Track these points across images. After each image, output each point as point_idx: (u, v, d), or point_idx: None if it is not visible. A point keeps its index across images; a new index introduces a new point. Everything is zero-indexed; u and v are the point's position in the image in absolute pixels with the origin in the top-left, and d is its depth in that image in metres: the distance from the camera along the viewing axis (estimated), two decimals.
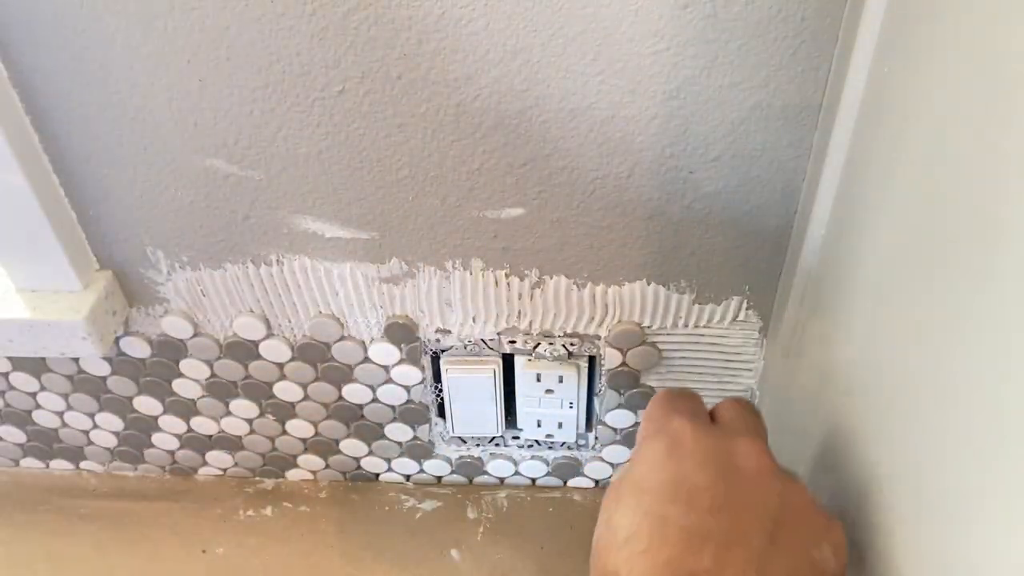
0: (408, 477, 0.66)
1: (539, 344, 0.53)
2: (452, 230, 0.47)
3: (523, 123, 0.42)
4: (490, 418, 0.58)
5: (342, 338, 0.54)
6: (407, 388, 0.57)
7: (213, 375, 0.58)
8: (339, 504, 0.66)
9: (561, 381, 0.55)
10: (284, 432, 0.62)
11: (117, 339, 0.56)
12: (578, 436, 0.60)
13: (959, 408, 0.27)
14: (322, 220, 0.47)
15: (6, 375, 0.60)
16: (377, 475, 0.67)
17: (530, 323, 0.52)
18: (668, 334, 0.52)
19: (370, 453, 0.64)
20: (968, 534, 0.26)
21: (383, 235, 0.48)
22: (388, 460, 0.65)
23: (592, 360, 0.55)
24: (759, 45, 0.38)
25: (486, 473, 0.65)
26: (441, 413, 0.60)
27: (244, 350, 0.56)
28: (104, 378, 0.59)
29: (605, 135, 0.42)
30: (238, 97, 0.42)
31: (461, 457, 0.64)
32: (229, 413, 0.61)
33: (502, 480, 0.66)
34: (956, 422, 0.27)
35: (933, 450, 0.29)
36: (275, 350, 0.55)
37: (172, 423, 0.63)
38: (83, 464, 0.68)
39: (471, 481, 0.66)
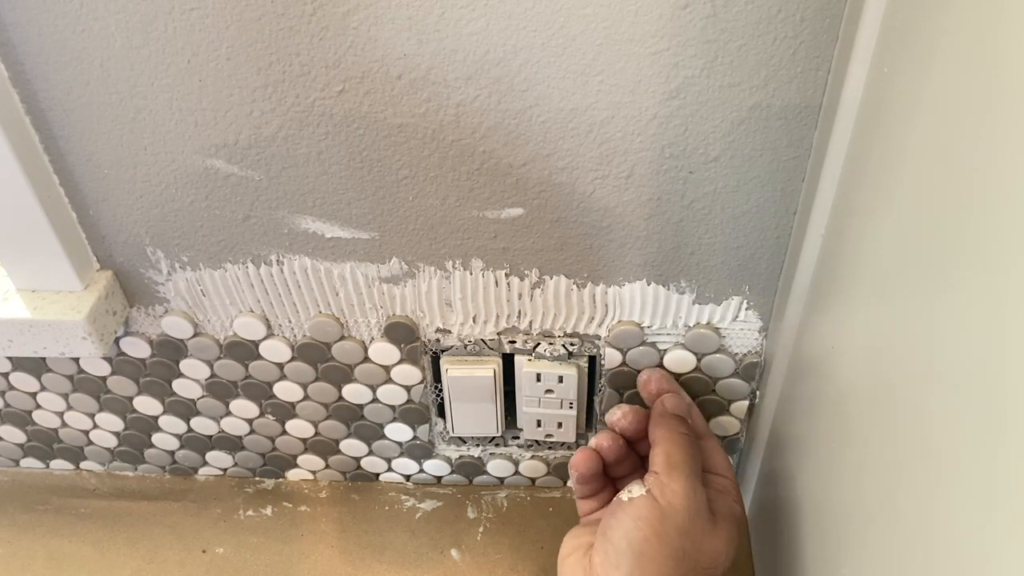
0: (408, 477, 0.66)
1: (539, 344, 0.53)
2: (452, 230, 0.47)
3: (523, 123, 0.42)
4: (490, 418, 0.58)
5: (342, 338, 0.54)
6: (407, 388, 0.57)
7: (213, 375, 0.58)
8: (339, 504, 0.66)
9: (561, 381, 0.55)
10: (284, 432, 0.62)
11: (117, 339, 0.56)
12: (578, 436, 0.60)
13: (961, 406, 0.27)
14: (322, 220, 0.47)
15: (6, 375, 0.60)
16: (377, 475, 0.67)
17: (530, 323, 0.52)
18: (668, 334, 0.52)
19: (370, 453, 0.64)
20: (980, 534, 0.26)
21: (383, 235, 0.48)
22: (388, 460, 0.65)
23: (592, 360, 0.55)
24: (759, 45, 0.38)
25: (486, 473, 0.65)
26: (441, 413, 0.60)
27: (244, 350, 0.56)
28: (104, 378, 0.59)
29: (605, 135, 0.42)
30: (238, 97, 0.42)
31: (461, 457, 0.64)
32: (229, 413, 0.61)
33: (502, 480, 0.66)
34: (957, 419, 0.27)
35: (935, 449, 0.29)
36: (275, 350, 0.55)
37: (172, 423, 0.63)
38: (83, 464, 0.68)
39: (471, 481, 0.66)
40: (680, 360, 0.53)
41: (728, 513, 0.46)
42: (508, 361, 0.55)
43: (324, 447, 0.64)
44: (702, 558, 0.43)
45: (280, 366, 0.57)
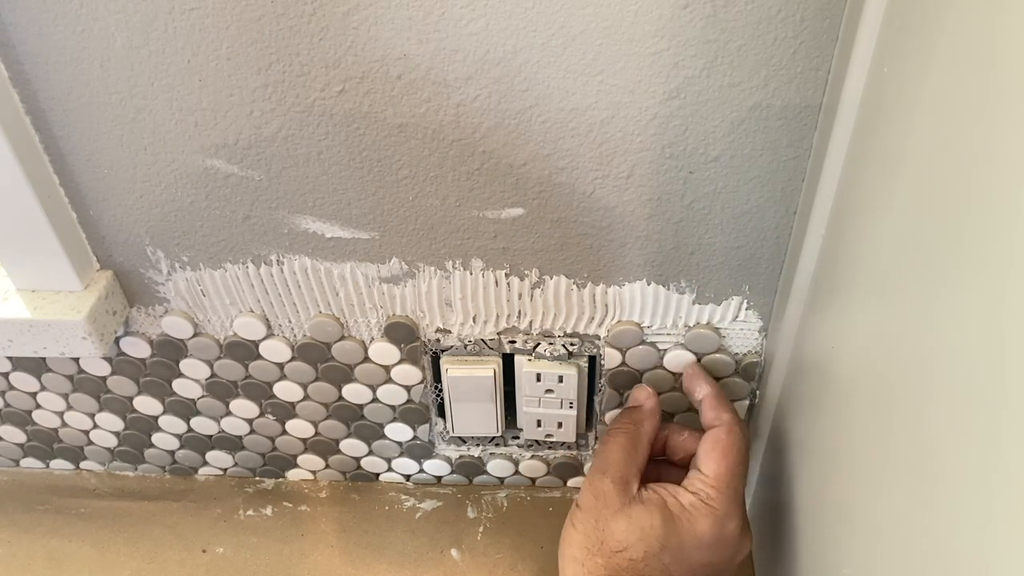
0: (408, 477, 0.67)
1: (539, 344, 0.53)
2: (452, 230, 0.47)
3: (523, 123, 0.42)
4: (490, 418, 0.58)
5: (342, 338, 0.54)
6: (407, 388, 0.57)
7: (213, 375, 0.58)
8: (339, 504, 0.66)
9: (561, 381, 0.55)
10: (284, 432, 0.62)
11: (117, 339, 0.56)
12: (578, 436, 0.60)
13: (960, 405, 0.27)
14: (322, 220, 0.47)
15: (6, 375, 0.60)
16: (377, 475, 0.67)
17: (530, 323, 0.52)
18: (668, 334, 0.52)
19: (370, 453, 0.64)
20: (980, 534, 0.26)
21: (383, 235, 0.48)
22: (388, 460, 0.65)
23: (592, 360, 0.55)
24: (759, 45, 0.38)
25: (486, 473, 0.65)
26: (441, 413, 0.60)
27: (244, 350, 0.56)
28: (104, 378, 0.59)
29: (605, 135, 0.42)
30: (238, 97, 0.42)
31: (461, 457, 0.64)
32: (229, 413, 0.61)
33: (502, 480, 0.66)
34: (957, 418, 0.27)
35: (934, 448, 0.29)
36: (275, 350, 0.55)
37: (172, 423, 0.63)
38: (83, 464, 0.68)
39: (471, 481, 0.66)
40: (680, 360, 0.53)
41: (651, 500, 0.47)
42: (508, 361, 0.55)
43: (324, 447, 0.64)
44: (608, 539, 0.46)
45: (280, 366, 0.57)
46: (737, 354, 0.53)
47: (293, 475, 0.67)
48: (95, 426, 0.64)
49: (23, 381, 0.60)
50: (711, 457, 0.48)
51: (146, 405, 0.61)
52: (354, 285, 0.51)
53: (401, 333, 0.53)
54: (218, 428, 0.63)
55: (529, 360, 0.54)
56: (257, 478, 0.68)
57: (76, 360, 0.58)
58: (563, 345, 0.53)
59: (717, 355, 0.53)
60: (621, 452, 0.49)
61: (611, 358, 0.54)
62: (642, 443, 0.50)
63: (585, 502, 0.48)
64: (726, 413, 0.49)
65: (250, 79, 0.41)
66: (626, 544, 0.46)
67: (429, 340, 0.54)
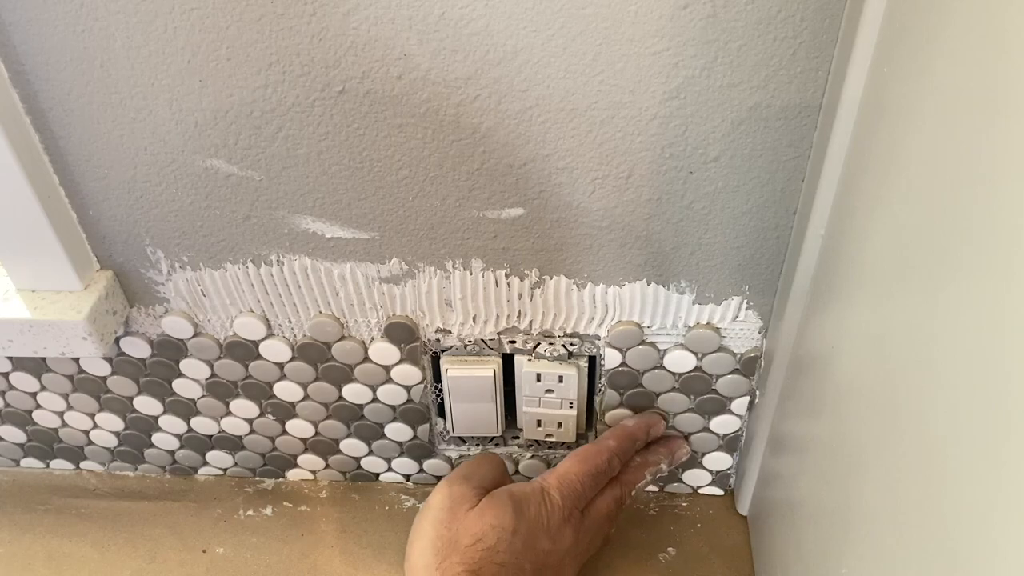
0: (408, 477, 0.67)
1: (539, 344, 0.53)
2: (452, 230, 0.47)
3: (523, 123, 0.42)
4: (490, 418, 0.58)
5: (342, 338, 0.54)
6: (407, 388, 0.57)
7: (213, 375, 0.58)
8: (339, 504, 0.66)
9: (561, 381, 0.55)
10: (284, 432, 0.63)
11: (117, 339, 0.56)
12: (578, 436, 0.60)
13: (961, 405, 0.27)
14: (322, 220, 0.47)
15: (6, 375, 0.60)
16: (377, 475, 0.67)
17: (530, 323, 0.52)
18: (668, 334, 0.52)
19: (370, 453, 0.64)
20: (981, 534, 0.26)
21: (383, 235, 0.48)
22: (388, 460, 0.65)
23: (592, 360, 0.55)
24: (759, 45, 0.38)
25: None
26: (441, 413, 0.60)
27: (244, 350, 0.56)
28: (104, 378, 0.59)
29: (605, 135, 0.42)
30: (238, 97, 0.42)
31: (461, 457, 0.64)
32: (229, 413, 0.61)
33: None
34: (957, 418, 0.27)
35: (935, 447, 0.29)
36: (275, 350, 0.55)
37: (172, 423, 0.63)
38: (83, 464, 0.68)
39: None
40: (680, 360, 0.53)
41: (497, 492, 0.50)
42: (508, 361, 0.55)
43: (324, 447, 0.64)
44: (462, 536, 0.47)
45: (280, 366, 0.57)
46: (737, 354, 0.53)
47: (293, 475, 0.67)
48: (95, 426, 0.64)
49: (23, 381, 0.60)
50: (569, 459, 0.53)
51: (146, 405, 0.61)
52: (354, 285, 0.51)
53: (401, 333, 0.53)
54: (218, 428, 0.63)
55: (529, 360, 0.54)
56: (257, 478, 0.68)
57: (76, 360, 0.58)
58: (563, 345, 0.53)
59: (717, 355, 0.53)
60: (494, 471, 0.53)
61: (611, 358, 0.54)
62: (506, 476, 0.54)
63: (438, 504, 0.49)
64: (612, 440, 0.54)
65: (250, 79, 0.41)
66: (480, 535, 0.47)
67: (429, 340, 0.54)
